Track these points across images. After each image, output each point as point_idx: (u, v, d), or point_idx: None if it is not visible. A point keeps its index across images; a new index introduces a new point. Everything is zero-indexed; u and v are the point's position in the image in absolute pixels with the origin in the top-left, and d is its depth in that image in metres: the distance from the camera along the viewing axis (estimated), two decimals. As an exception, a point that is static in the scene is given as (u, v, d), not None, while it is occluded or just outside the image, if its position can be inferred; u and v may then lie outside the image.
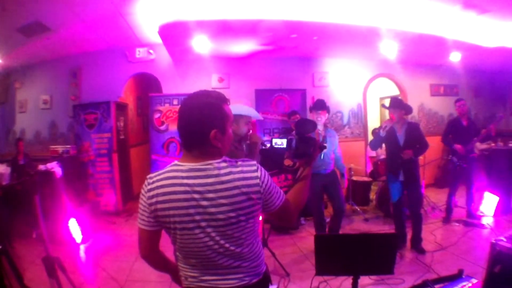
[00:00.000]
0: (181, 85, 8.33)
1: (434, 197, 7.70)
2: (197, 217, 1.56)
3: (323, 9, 6.16)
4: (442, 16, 6.43)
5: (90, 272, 5.00)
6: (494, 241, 2.70)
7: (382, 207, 7.09)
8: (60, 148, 7.74)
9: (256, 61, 8.70)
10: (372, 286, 4.16)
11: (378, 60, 9.08)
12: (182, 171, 1.59)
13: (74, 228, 5.89)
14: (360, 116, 9.48)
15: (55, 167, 6.11)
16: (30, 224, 5.63)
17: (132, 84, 9.53)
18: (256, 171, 1.64)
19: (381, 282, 4.22)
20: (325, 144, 5.03)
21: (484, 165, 7.33)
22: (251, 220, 1.64)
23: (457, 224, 6.30)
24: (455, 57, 8.49)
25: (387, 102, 5.57)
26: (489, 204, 6.65)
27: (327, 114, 5.25)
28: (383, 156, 7.67)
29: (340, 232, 5.80)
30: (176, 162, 1.65)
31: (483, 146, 7.27)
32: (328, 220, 5.77)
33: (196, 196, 1.55)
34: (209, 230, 1.57)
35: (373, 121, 11.01)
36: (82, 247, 5.83)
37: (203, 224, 1.57)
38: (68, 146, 7.91)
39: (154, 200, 1.59)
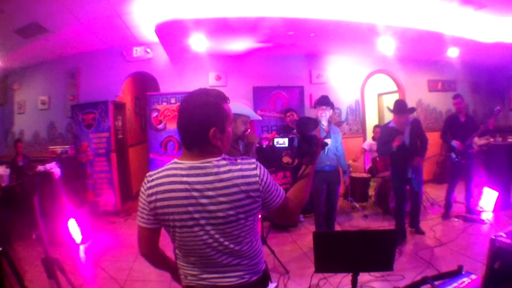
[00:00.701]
0: (178, 83, 8.31)
1: (433, 193, 7.70)
2: (196, 215, 1.56)
3: (320, 6, 6.15)
4: (439, 12, 6.42)
5: (89, 272, 5.00)
6: (493, 237, 2.70)
7: (381, 203, 7.10)
8: (58, 149, 7.74)
9: (253, 58, 8.69)
10: (372, 283, 4.17)
11: (375, 57, 9.06)
12: (181, 169, 1.59)
13: (74, 228, 5.88)
14: (358, 113, 9.49)
15: (53, 168, 6.12)
16: (29, 225, 5.63)
17: (130, 84, 9.51)
18: (255, 169, 1.63)
19: (381, 278, 4.23)
20: (329, 140, 5.07)
21: (483, 161, 7.35)
22: (250, 218, 1.64)
23: (457, 219, 6.32)
24: (453, 53, 8.49)
25: (391, 105, 5.62)
26: (488, 199, 6.66)
27: (331, 110, 5.27)
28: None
29: (339, 228, 5.81)
30: (175, 160, 1.66)
31: (482, 141, 7.26)
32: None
33: (195, 194, 1.55)
34: (208, 228, 1.57)
35: (371, 118, 11.01)
36: (81, 248, 5.83)
37: (202, 222, 1.57)
38: (67, 146, 7.92)
39: (153, 198, 1.59)
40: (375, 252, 2.63)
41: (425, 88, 9.92)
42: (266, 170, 1.69)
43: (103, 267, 5.01)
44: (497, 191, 6.59)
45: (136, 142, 9.90)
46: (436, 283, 2.62)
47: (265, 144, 4.30)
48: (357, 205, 7.37)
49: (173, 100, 7.68)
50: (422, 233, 5.73)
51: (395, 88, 10.03)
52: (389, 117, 10.43)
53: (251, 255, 1.70)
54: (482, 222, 6.11)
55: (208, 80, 8.61)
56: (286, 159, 2.12)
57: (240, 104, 3.56)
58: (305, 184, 1.91)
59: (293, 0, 5.92)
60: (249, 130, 3.71)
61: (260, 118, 4.00)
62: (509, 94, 10.34)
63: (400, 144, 5.37)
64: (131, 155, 9.36)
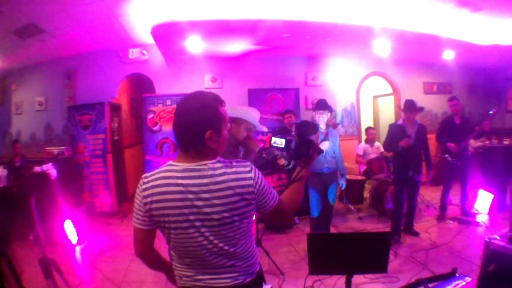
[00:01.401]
0: (174, 85, 8.33)
1: (429, 195, 7.71)
2: (192, 217, 1.57)
3: (316, 9, 6.17)
4: (435, 14, 6.46)
5: (86, 273, 4.99)
6: (488, 240, 2.72)
7: (376, 205, 7.11)
8: (55, 150, 7.73)
9: (249, 60, 8.72)
10: (367, 285, 4.18)
11: (371, 59, 9.10)
12: (177, 171, 1.61)
13: (70, 229, 5.88)
14: (353, 115, 9.52)
15: (50, 169, 6.10)
16: (27, 225, 5.62)
17: (126, 85, 9.52)
18: (250, 172, 1.65)
19: (376, 280, 4.24)
20: (326, 142, 5.09)
21: (479, 163, 7.36)
22: (245, 220, 1.65)
23: (452, 222, 6.33)
24: (448, 55, 8.53)
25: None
26: (483, 201, 6.67)
27: (329, 114, 5.31)
28: (373, 155, 7.73)
29: (334, 230, 5.83)
30: (171, 162, 1.67)
31: (477, 143, 7.28)
32: None
33: (190, 196, 1.56)
34: (203, 229, 1.59)
35: (367, 120, 11.04)
36: (77, 248, 5.83)
37: (197, 223, 1.58)
38: (63, 147, 7.91)
39: (149, 199, 1.61)
40: (370, 254, 2.64)
41: (421, 90, 9.94)
42: (260, 173, 1.70)
43: (99, 268, 5.02)
44: (492, 193, 6.60)
45: (132, 144, 9.89)
46: (430, 285, 2.63)
47: (260, 145, 4.31)
48: (352, 207, 7.37)
49: (168, 102, 7.69)
50: (417, 234, 5.77)
51: (390, 90, 10.05)
52: (384, 119, 10.55)
53: (246, 257, 1.71)
54: (477, 224, 6.12)
55: (204, 82, 8.63)
56: (281, 162, 2.13)
57: (249, 111, 3.56)
58: (299, 186, 1.93)
59: (289, 2, 5.94)
60: (252, 138, 3.69)
61: (266, 129, 3.99)
62: (505, 96, 10.38)
63: (403, 134, 5.57)
64: (127, 156, 9.36)
